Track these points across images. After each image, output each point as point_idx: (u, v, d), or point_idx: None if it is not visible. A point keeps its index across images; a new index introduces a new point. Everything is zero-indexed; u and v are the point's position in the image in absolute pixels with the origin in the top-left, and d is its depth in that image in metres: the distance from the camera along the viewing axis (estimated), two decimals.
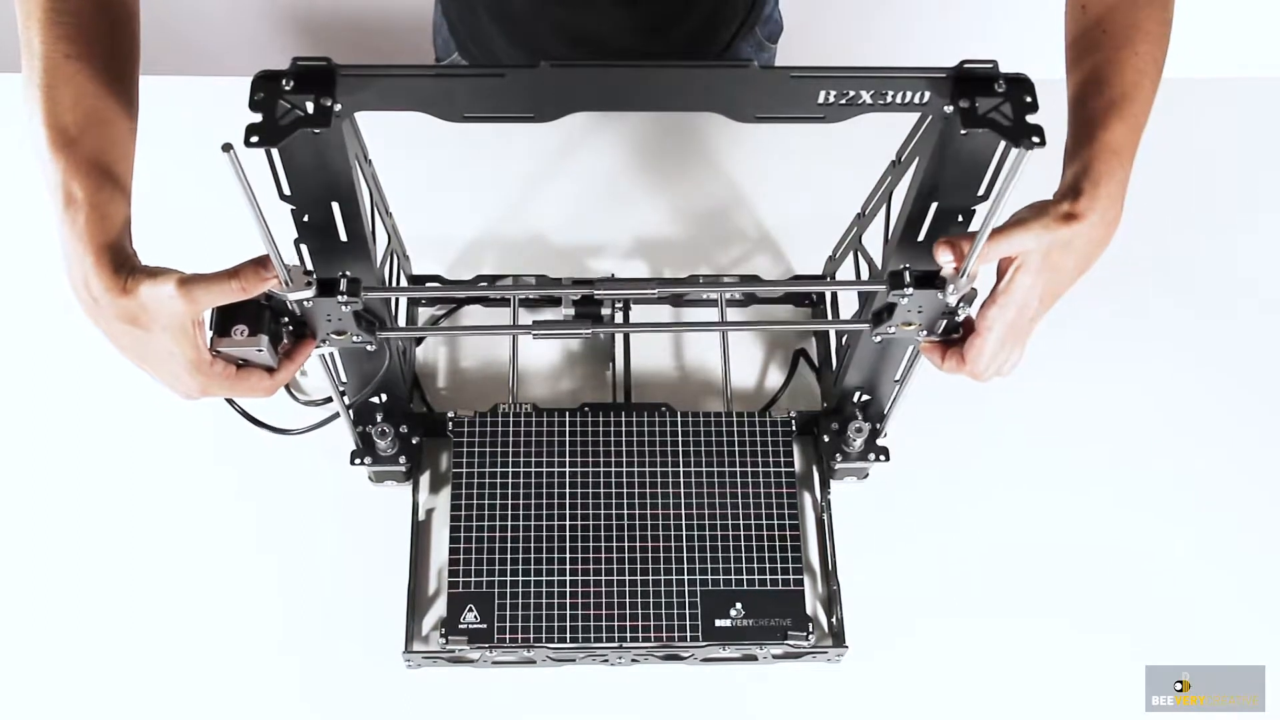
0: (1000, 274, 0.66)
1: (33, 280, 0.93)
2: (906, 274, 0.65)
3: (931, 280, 0.65)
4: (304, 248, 0.65)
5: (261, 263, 0.61)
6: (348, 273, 0.65)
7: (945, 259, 0.63)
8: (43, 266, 0.94)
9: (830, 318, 0.93)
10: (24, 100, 0.61)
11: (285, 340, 0.68)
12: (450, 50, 1.12)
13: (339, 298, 0.64)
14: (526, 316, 0.93)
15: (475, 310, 0.94)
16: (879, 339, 0.73)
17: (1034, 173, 0.56)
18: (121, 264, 0.61)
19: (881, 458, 0.84)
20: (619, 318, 0.92)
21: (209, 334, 0.65)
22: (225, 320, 0.65)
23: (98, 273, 0.60)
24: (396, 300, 0.87)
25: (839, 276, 0.91)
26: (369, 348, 0.72)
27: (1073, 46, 0.69)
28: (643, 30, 0.99)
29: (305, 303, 0.64)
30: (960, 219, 0.67)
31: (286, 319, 0.67)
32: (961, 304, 0.67)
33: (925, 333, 0.71)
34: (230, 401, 0.76)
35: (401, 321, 0.91)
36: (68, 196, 0.60)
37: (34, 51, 0.61)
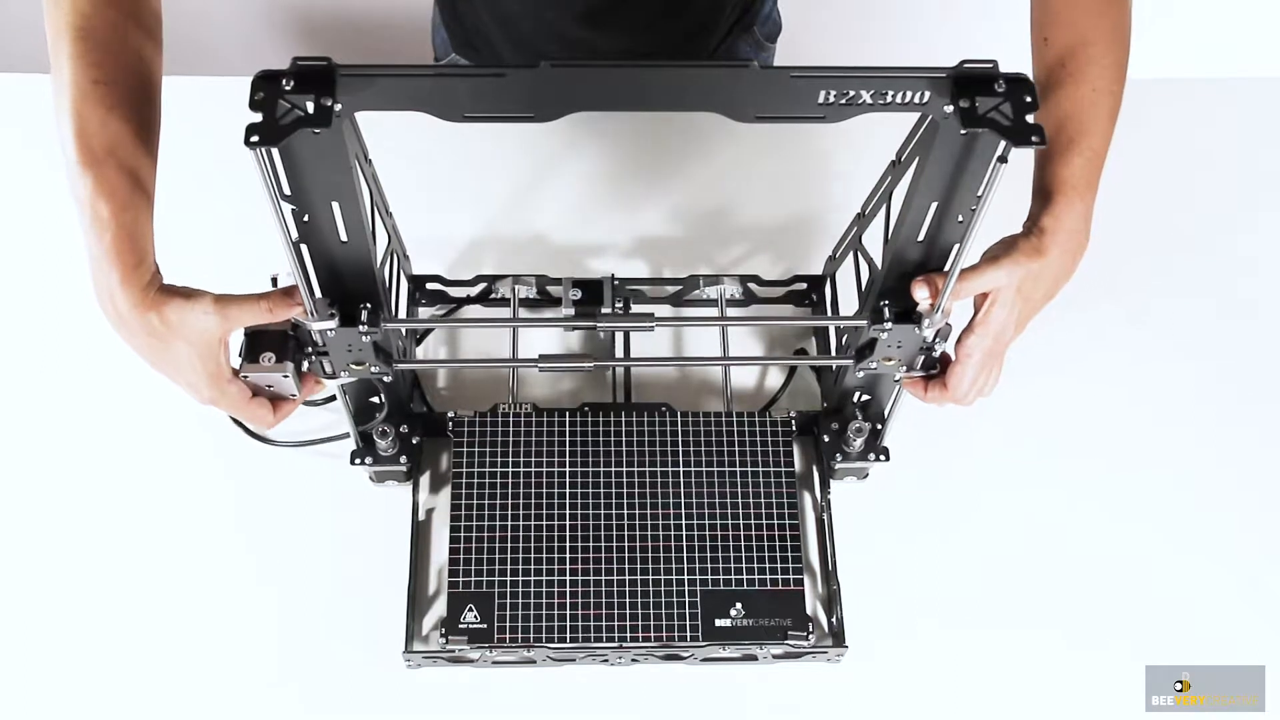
0: (976, 307, 0.72)
1: (33, 282, 0.94)
2: (886, 310, 0.71)
3: (909, 316, 0.71)
4: (304, 248, 0.66)
5: (288, 291, 0.67)
6: (367, 305, 0.69)
7: (922, 295, 0.69)
8: (44, 267, 0.94)
9: (830, 315, 0.93)
10: (54, 118, 0.64)
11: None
12: (448, 50, 1.13)
13: (360, 328, 0.69)
14: (525, 315, 0.94)
15: (476, 310, 0.94)
16: (862, 375, 0.78)
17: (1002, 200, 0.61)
18: (149, 282, 0.66)
19: (881, 458, 0.84)
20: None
21: (236, 358, 0.71)
22: (254, 347, 0.71)
23: (124, 290, 0.64)
24: (397, 298, 0.87)
25: (838, 276, 0.91)
26: (385, 379, 0.76)
27: (1040, 88, 0.72)
28: (637, 29, 0.99)
29: (328, 332, 0.69)
30: (960, 219, 0.67)
31: (310, 349, 0.72)
32: (938, 339, 0.73)
33: (905, 369, 0.76)
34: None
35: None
36: (95, 215, 0.63)
37: (63, 75, 0.64)
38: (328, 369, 0.73)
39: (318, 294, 0.68)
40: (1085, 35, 0.70)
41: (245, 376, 0.71)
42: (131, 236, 0.64)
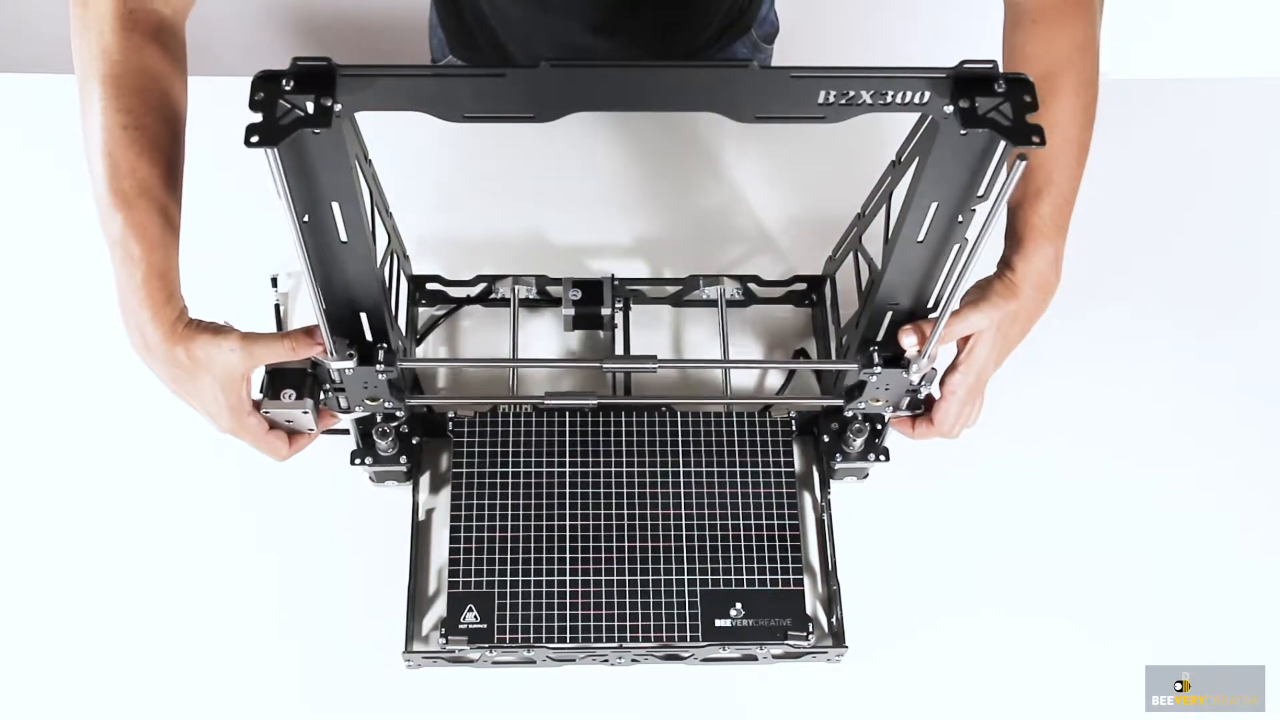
0: (959, 347, 0.76)
1: (33, 278, 0.94)
2: (875, 354, 0.75)
3: (897, 361, 0.75)
4: (306, 250, 0.65)
5: (309, 331, 0.70)
6: (384, 344, 0.72)
7: (909, 342, 0.73)
8: (44, 264, 0.94)
9: (830, 315, 0.93)
10: (86, 158, 0.67)
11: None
12: (445, 51, 1.13)
13: (376, 367, 0.71)
14: (526, 317, 0.94)
15: (476, 311, 0.94)
16: (851, 414, 0.81)
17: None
18: (177, 318, 0.68)
19: (881, 458, 0.84)
20: (619, 317, 0.92)
21: (259, 395, 0.73)
22: (275, 384, 0.73)
23: (154, 325, 0.67)
24: (397, 298, 0.87)
25: (838, 277, 0.91)
26: (399, 413, 0.79)
27: None
28: (634, 34, 0.99)
29: (346, 371, 0.72)
30: (960, 220, 0.67)
31: (328, 386, 0.74)
32: (923, 382, 0.76)
33: (892, 409, 0.79)
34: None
35: (401, 323, 0.91)
36: (126, 253, 0.66)
37: (94, 119, 0.66)
38: (343, 404, 0.76)
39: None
40: (1054, 83, 0.72)
41: (266, 411, 0.74)
42: (161, 274, 0.67)
